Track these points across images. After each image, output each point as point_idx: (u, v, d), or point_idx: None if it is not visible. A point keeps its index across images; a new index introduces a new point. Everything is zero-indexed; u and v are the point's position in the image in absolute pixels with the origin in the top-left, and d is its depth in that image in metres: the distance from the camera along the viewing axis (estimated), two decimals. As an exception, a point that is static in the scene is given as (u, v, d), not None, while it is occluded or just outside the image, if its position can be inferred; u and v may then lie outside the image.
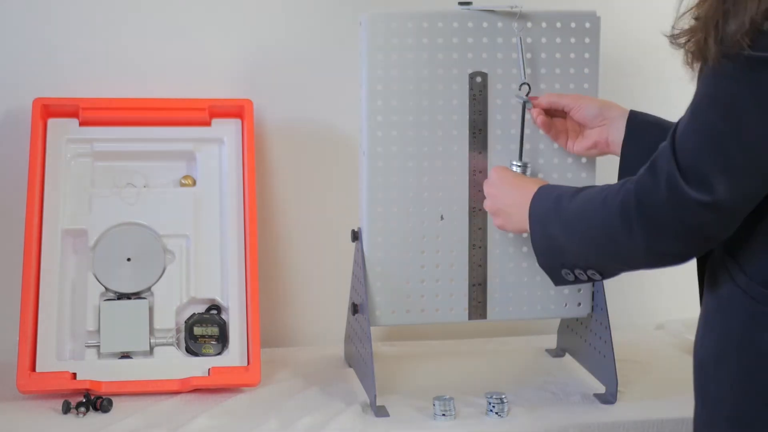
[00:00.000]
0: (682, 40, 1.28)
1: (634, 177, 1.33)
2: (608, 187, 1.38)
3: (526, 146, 1.72)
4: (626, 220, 1.32)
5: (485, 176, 1.73)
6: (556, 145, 1.74)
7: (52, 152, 1.87)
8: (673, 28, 1.30)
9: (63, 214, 1.84)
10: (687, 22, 1.28)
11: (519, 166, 1.69)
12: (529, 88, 1.71)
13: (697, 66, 1.28)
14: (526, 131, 1.72)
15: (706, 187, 1.25)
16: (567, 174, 1.76)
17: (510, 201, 1.61)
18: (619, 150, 1.64)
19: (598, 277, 1.47)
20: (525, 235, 1.70)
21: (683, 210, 1.27)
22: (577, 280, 1.49)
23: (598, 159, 1.77)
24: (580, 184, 1.75)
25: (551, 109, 1.72)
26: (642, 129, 1.61)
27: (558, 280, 1.51)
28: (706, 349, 1.34)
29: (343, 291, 1.88)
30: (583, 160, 1.76)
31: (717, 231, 1.29)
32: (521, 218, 1.55)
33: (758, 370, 1.28)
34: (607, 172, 1.72)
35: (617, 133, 1.65)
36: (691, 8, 1.28)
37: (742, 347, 1.29)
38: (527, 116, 1.71)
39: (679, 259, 1.33)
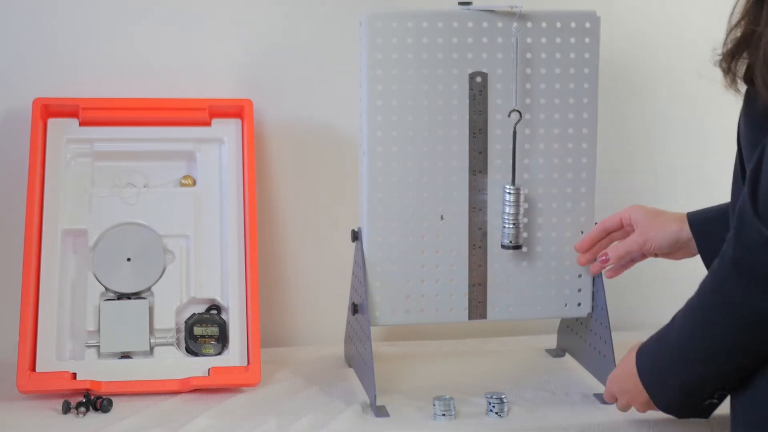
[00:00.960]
0: (725, 66, 1.26)
1: (724, 262, 1.29)
2: (700, 291, 1.34)
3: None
4: (746, 290, 1.27)
5: (485, 176, 1.73)
6: (556, 146, 1.75)
7: (52, 152, 1.87)
8: (724, 45, 1.26)
9: (63, 214, 1.84)
10: (732, 41, 1.25)
11: (512, 191, 1.70)
12: (520, 115, 1.71)
13: (742, 88, 1.24)
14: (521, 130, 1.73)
15: None
16: (567, 174, 1.76)
17: (620, 378, 1.54)
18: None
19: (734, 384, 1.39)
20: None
21: None
22: (720, 400, 1.42)
23: (600, 160, 1.77)
24: (579, 184, 1.76)
25: None
26: (709, 231, 1.55)
27: (703, 413, 1.44)
28: None
29: (343, 291, 1.87)
30: (583, 159, 1.76)
31: None
32: (639, 389, 1.49)
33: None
34: (606, 172, 1.71)
35: (695, 251, 1.64)
36: (734, 27, 1.24)
37: None
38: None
39: None
